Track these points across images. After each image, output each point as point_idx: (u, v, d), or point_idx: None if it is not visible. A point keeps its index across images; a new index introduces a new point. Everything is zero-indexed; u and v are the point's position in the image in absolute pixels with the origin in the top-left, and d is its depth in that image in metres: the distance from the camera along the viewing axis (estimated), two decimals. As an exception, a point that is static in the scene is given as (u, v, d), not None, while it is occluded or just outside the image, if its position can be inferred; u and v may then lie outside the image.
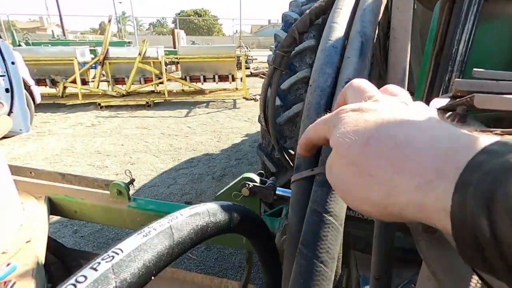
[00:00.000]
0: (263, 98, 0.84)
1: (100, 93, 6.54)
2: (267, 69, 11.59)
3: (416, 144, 0.21)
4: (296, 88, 1.40)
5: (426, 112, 0.25)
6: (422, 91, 0.98)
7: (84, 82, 6.48)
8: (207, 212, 0.36)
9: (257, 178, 1.02)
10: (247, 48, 14.60)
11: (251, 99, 7.02)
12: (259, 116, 1.62)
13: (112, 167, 3.49)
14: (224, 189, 1.06)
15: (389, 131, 0.23)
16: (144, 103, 6.22)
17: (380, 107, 0.26)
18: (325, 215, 0.34)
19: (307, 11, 0.70)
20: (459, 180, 0.18)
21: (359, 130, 0.24)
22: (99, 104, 6.11)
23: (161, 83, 6.50)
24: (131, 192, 1.30)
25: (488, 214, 0.16)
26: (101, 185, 1.23)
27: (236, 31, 36.37)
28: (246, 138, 4.55)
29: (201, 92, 6.92)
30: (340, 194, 0.28)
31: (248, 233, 0.45)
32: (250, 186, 0.97)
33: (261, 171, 1.05)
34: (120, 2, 38.96)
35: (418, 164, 0.21)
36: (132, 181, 1.25)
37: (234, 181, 1.05)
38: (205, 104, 6.63)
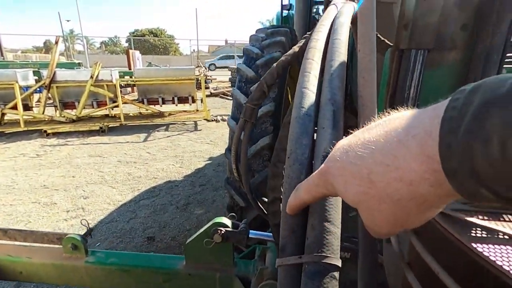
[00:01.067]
0: (235, 151, 0.83)
1: (46, 119, 6.01)
2: (227, 89, 11.67)
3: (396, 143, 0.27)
4: (262, 121, 1.42)
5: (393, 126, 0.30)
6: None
7: (27, 108, 5.91)
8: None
9: (228, 222, 0.99)
10: (206, 68, 14.62)
11: (212, 120, 6.97)
12: (226, 150, 1.60)
13: (62, 204, 3.16)
14: (195, 236, 1.01)
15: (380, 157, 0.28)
16: (97, 128, 5.84)
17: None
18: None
19: (274, 64, 0.72)
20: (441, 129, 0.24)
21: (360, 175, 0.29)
22: (45, 131, 5.60)
23: (116, 106, 6.19)
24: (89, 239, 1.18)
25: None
26: (52, 239, 1.10)
27: (194, 50, 36.43)
28: (209, 161, 4.47)
29: (160, 115, 6.71)
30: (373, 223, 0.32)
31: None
32: (223, 232, 0.94)
33: (233, 214, 1.02)
34: (68, 21, 36.97)
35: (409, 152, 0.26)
36: (89, 232, 1.13)
37: (204, 227, 1.00)
38: (164, 127, 6.43)
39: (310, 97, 0.52)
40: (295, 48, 0.74)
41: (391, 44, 1.06)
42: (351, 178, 0.30)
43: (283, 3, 3.78)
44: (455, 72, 0.96)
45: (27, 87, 5.86)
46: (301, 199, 0.36)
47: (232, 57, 30.17)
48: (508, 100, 0.21)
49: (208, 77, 13.91)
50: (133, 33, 44.76)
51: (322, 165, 0.34)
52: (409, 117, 0.28)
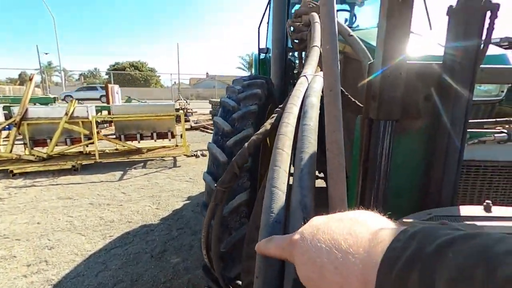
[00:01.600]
0: (206, 235, 0.79)
1: (14, 158, 5.67)
2: (207, 122, 11.70)
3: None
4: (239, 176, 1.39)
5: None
6: (355, 194, 1.05)
7: (-7, 146, 5.59)
8: None
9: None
10: (186, 101, 14.73)
11: (192, 156, 6.88)
12: (202, 207, 1.55)
13: (23, 256, 2.88)
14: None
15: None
16: (69, 167, 5.57)
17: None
18: None
19: (245, 144, 0.71)
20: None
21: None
22: (11, 171, 5.26)
23: (92, 143, 5.98)
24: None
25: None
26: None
27: (175, 82, 36.86)
28: (188, 201, 4.33)
29: (138, 151, 6.54)
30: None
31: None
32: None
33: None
34: (46, 53, 36.68)
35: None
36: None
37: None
38: (142, 164, 6.24)
39: (279, 198, 0.50)
40: (267, 126, 0.74)
41: (361, 106, 1.10)
42: (308, 262, 0.34)
43: (260, 47, 3.95)
44: (423, 139, 0.99)
45: (-5, 125, 5.58)
46: (269, 252, 0.42)
47: (94, 88, 27.09)
48: (430, 261, 0.25)
49: (188, 110, 13.97)
50: (114, 66, 44.92)
51: (296, 234, 0.38)
52: (368, 233, 0.32)
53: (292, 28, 1.79)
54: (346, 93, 1.25)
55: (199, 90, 39.96)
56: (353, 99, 1.25)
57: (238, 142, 1.46)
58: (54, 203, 4.18)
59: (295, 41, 1.79)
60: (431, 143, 1.00)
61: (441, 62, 0.94)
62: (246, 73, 41.60)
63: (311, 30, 1.37)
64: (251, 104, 1.61)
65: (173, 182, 5.14)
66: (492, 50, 1.44)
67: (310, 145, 0.59)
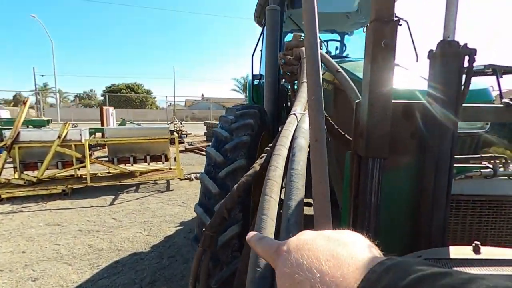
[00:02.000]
0: (193, 284, 0.77)
1: (2, 182, 5.54)
2: (201, 144, 11.69)
3: None
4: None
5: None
6: (347, 228, 1.04)
7: (-19, 170, 5.46)
8: None
9: None
10: (181, 123, 14.79)
11: (185, 179, 6.81)
12: (192, 241, 1.52)
13: (5, 289, 2.75)
14: None
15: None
16: (59, 191, 5.45)
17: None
18: None
19: (235, 186, 0.71)
20: None
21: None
22: (-1, 196, 5.13)
23: (84, 166, 5.90)
24: None
25: None
26: None
27: (170, 104, 37.13)
28: (180, 227, 4.23)
29: (130, 174, 6.46)
30: None
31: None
32: None
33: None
34: (42, 75, 36.98)
35: None
36: None
37: None
38: (134, 188, 6.14)
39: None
40: (256, 167, 0.75)
41: (350, 139, 1.12)
42: (288, 275, 0.35)
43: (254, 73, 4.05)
44: (411, 174, 1.01)
45: (-15, 148, 5.50)
46: (256, 250, 0.46)
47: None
48: None
49: (183, 132, 14.00)
50: (110, 87, 45.31)
51: (283, 245, 0.40)
52: (350, 258, 0.33)
53: (283, 61, 1.85)
54: (336, 127, 1.27)
55: (194, 112, 40.31)
56: (343, 133, 1.27)
57: (230, 173, 1.46)
58: (42, 230, 4.04)
59: (287, 73, 1.85)
60: (419, 179, 1.02)
61: (424, 102, 0.97)
62: (240, 95, 42.21)
63: (301, 65, 1.42)
64: (244, 134, 1.63)
65: (166, 207, 5.05)
66: (475, 84, 1.50)
67: (298, 192, 0.59)
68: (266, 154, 0.77)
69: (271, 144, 0.84)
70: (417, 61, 3.03)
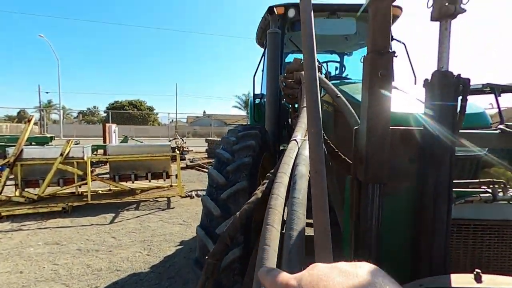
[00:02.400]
0: None
1: (3, 200, 5.53)
2: (203, 160, 11.68)
3: None
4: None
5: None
6: (349, 253, 1.04)
7: (-17, 187, 5.47)
8: None
9: None
10: (182, 140, 14.87)
11: (186, 196, 6.77)
12: (193, 264, 1.51)
13: (0, 311, 2.69)
14: None
15: None
16: (59, 209, 5.42)
17: None
18: None
19: (237, 214, 0.72)
20: None
21: None
22: (-1, 213, 5.10)
23: (85, 184, 5.89)
24: None
25: None
26: None
27: (172, 120, 37.44)
28: (180, 246, 4.17)
29: (131, 192, 6.44)
30: None
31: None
32: None
33: None
34: (47, 92, 37.65)
35: None
36: None
37: None
38: (135, 206, 6.10)
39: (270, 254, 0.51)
40: (258, 194, 0.77)
41: (351, 162, 1.14)
42: None
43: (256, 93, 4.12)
44: (411, 199, 1.02)
45: (-12, 165, 5.53)
46: (265, 284, 0.43)
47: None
48: None
49: (184, 149, 14.05)
50: (113, 104, 45.92)
51: (294, 280, 0.38)
52: None
53: (284, 83, 1.91)
54: (336, 150, 1.30)
55: (196, 128, 40.55)
56: (343, 156, 1.29)
57: (231, 195, 1.47)
58: (40, 249, 4.00)
59: (288, 96, 1.90)
60: (418, 204, 1.02)
61: (422, 127, 1.00)
62: (242, 112, 42.58)
63: (302, 90, 1.46)
64: (245, 155, 1.65)
65: (166, 225, 5.00)
66: (472, 108, 1.54)
67: (299, 221, 0.61)
68: (268, 181, 0.79)
69: (272, 170, 0.86)
70: (415, 83, 3.10)
